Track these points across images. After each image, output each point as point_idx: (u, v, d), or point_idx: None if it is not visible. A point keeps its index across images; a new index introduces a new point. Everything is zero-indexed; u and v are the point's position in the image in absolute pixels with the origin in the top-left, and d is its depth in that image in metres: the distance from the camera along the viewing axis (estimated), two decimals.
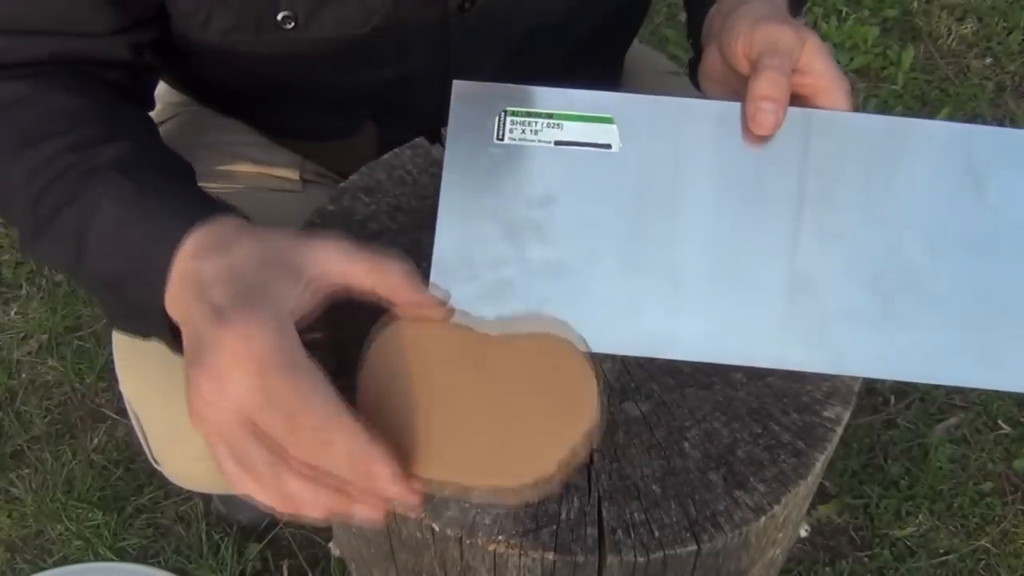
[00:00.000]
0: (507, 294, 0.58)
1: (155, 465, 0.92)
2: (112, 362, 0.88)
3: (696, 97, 0.68)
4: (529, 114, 0.62)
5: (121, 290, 0.59)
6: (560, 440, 0.53)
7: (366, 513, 0.50)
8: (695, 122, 0.62)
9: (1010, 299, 0.59)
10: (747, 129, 0.61)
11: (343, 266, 0.53)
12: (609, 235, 0.60)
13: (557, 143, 0.61)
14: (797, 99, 0.63)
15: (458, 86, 0.63)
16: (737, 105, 0.62)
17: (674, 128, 0.62)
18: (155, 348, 0.84)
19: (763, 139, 0.61)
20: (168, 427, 0.86)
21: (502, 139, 0.62)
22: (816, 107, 0.63)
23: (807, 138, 0.62)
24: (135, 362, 0.86)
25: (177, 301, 0.55)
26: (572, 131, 0.62)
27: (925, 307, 0.59)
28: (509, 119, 0.62)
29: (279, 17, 0.68)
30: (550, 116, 0.62)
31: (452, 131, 0.62)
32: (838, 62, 1.83)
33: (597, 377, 0.55)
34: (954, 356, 0.58)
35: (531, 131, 0.62)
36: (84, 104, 0.65)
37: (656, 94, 0.63)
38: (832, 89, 0.62)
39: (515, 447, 0.53)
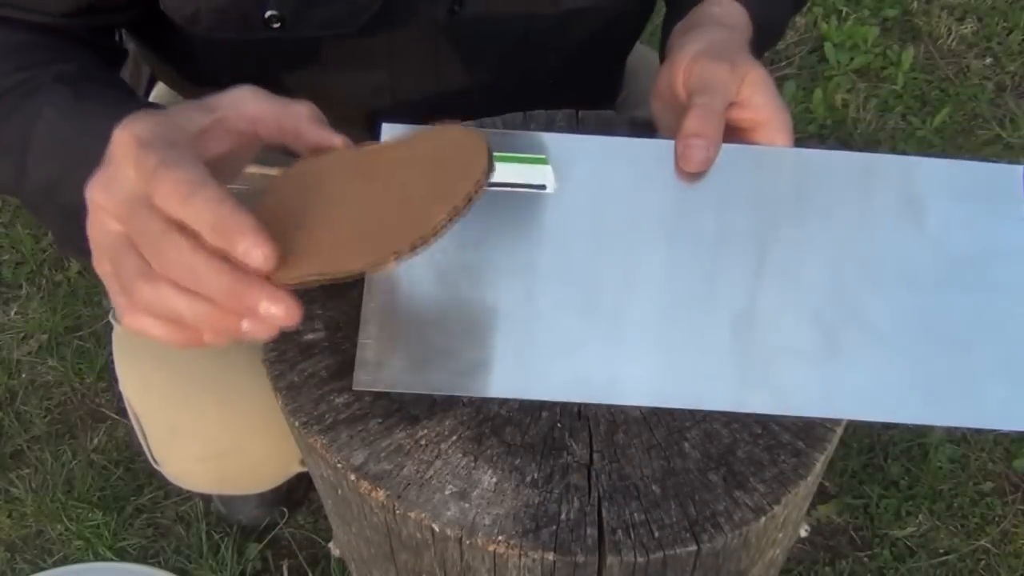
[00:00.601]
0: (442, 337, 0.58)
1: (155, 465, 0.92)
2: (112, 362, 0.88)
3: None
4: None
5: (59, 193, 0.58)
6: (438, 201, 0.49)
7: (257, 327, 0.46)
8: (631, 161, 0.61)
9: (954, 333, 0.58)
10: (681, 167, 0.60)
11: (255, 105, 0.52)
12: (545, 278, 0.58)
13: (490, 185, 0.59)
14: (738, 133, 0.63)
15: (387, 128, 0.61)
16: (672, 143, 0.61)
17: (610, 168, 0.60)
18: (155, 348, 0.84)
19: (698, 176, 0.60)
20: (168, 427, 0.86)
21: None
22: (755, 142, 0.62)
23: (745, 174, 0.61)
24: (135, 362, 0.86)
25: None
26: (505, 172, 0.60)
27: (869, 343, 0.57)
28: None
29: (266, 16, 0.68)
30: None
31: None
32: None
33: (485, 143, 0.51)
34: (900, 393, 0.57)
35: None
36: (36, 40, 0.65)
37: (594, 133, 0.62)
38: (771, 122, 0.61)
39: (387, 221, 0.49)
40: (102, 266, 0.49)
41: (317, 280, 0.48)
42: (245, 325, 0.46)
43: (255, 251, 0.44)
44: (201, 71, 0.79)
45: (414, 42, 0.74)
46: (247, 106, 0.52)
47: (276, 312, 0.45)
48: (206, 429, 0.83)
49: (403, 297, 0.59)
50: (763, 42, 0.74)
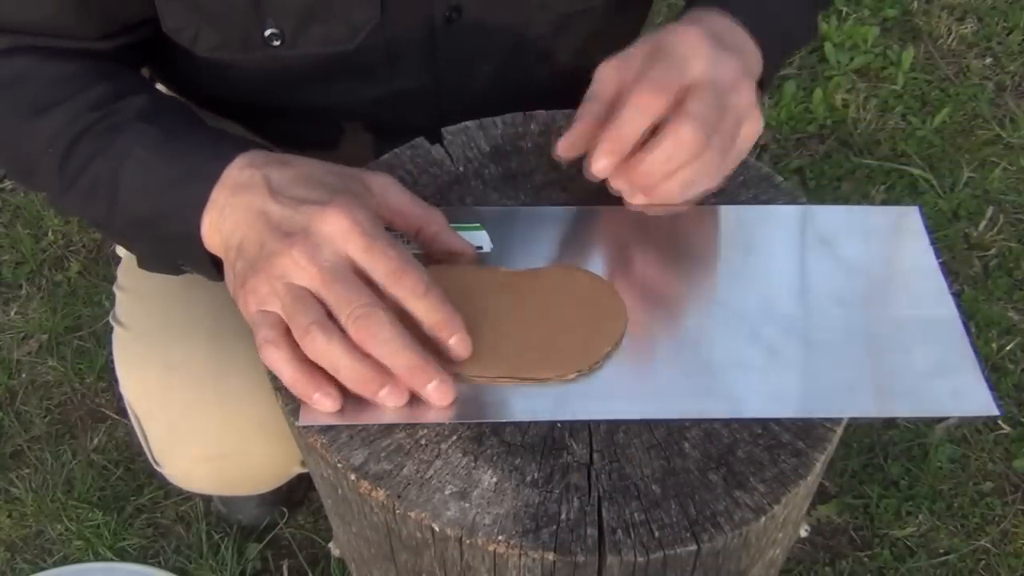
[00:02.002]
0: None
1: (155, 466, 0.92)
2: (112, 362, 0.88)
3: None
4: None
5: (157, 227, 0.61)
6: (603, 334, 0.59)
7: (391, 396, 0.54)
8: (554, 224, 0.66)
9: (890, 339, 0.61)
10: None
11: (402, 199, 0.59)
12: None
13: None
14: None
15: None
16: (581, 211, 0.67)
17: (536, 230, 0.66)
18: (155, 349, 0.84)
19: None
20: (168, 428, 0.86)
21: None
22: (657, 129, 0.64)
23: (671, 229, 0.66)
24: (135, 363, 0.86)
25: (229, 210, 0.57)
26: None
27: (808, 351, 0.60)
28: None
29: (266, 34, 0.69)
30: None
31: None
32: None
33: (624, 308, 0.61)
34: (849, 390, 0.59)
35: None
36: (86, 67, 0.67)
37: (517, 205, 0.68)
38: (673, 135, 0.61)
39: (562, 343, 0.58)
40: (267, 305, 0.55)
41: (498, 380, 0.57)
42: (383, 392, 0.54)
43: (460, 347, 0.55)
44: (203, 86, 0.80)
45: (412, 52, 0.75)
46: (392, 197, 0.59)
47: (444, 393, 0.55)
48: (206, 430, 0.83)
49: None
50: (778, 48, 0.74)
